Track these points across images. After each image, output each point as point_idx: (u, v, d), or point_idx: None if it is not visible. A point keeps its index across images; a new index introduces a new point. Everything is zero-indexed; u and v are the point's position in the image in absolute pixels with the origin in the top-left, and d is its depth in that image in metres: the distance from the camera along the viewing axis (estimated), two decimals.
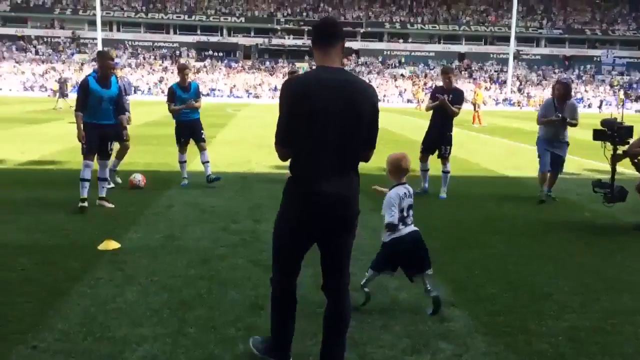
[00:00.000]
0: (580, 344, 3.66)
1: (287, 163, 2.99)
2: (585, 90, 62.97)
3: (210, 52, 68.35)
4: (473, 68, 68.73)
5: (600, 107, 55.18)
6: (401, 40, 70.82)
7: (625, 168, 8.23)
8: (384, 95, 57.50)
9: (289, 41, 68.74)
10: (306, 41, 67.22)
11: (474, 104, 26.79)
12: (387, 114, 34.15)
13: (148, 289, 4.38)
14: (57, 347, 3.39)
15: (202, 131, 8.81)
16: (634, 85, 65.94)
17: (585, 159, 13.27)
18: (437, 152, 8.43)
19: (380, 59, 69.26)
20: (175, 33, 69.09)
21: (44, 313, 3.86)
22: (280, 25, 68.32)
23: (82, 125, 6.85)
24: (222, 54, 68.44)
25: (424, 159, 8.53)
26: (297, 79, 2.99)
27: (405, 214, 4.06)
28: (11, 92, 52.96)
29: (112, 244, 5.42)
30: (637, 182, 7.16)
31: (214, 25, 69.09)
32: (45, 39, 66.54)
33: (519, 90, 62.72)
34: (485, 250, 5.74)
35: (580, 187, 9.71)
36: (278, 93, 3.18)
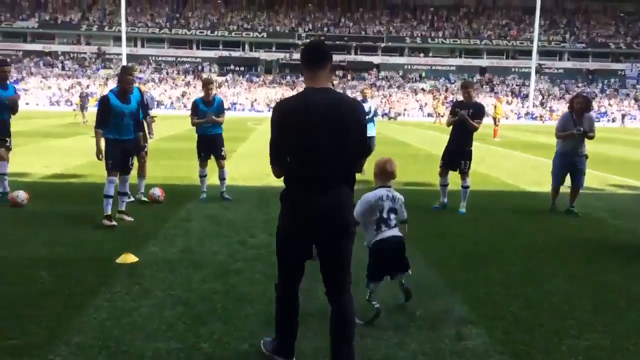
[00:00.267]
0: None
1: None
2: (610, 104, 62.12)
3: (232, 67, 69.07)
4: (494, 82, 68.31)
5: (622, 120, 54.42)
6: (422, 55, 70.74)
7: None
8: (404, 109, 57.41)
9: None
10: None
11: (494, 118, 26.56)
12: (406, 128, 34.11)
13: (164, 303, 4.40)
14: None
15: (222, 148, 8.84)
16: None
17: (608, 174, 13.06)
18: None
19: (400, 73, 69.24)
20: (198, 48, 69.99)
21: (60, 326, 3.89)
22: (302, 40, 68.70)
23: (100, 142, 6.86)
24: (243, 69, 69.14)
25: (443, 173, 8.48)
26: (287, 101, 3.19)
27: (385, 216, 4.19)
28: (38, 106, 54.05)
29: (130, 258, 5.46)
30: None
31: (236, 40, 69.87)
32: (71, 55, 67.92)
33: (542, 104, 62.12)
34: (504, 267, 5.65)
35: (603, 202, 9.55)
36: None
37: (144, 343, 3.67)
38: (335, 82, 64.33)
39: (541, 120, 56.17)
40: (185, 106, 54.27)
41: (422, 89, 65.41)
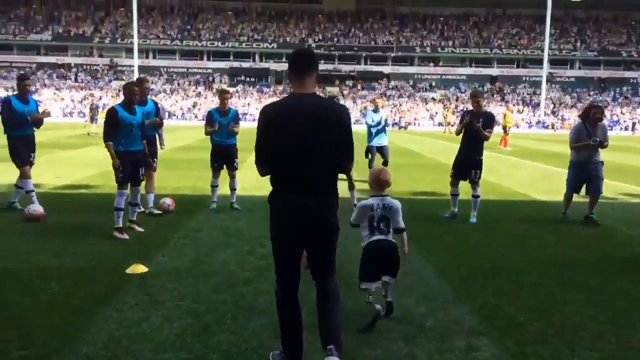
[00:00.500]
0: None
1: None
2: (622, 113, 61.67)
3: (243, 78, 69.44)
4: (505, 91, 68.09)
5: (633, 129, 53.99)
6: (432, 64, 70.71)
7: None
8: (415, 119, 57.31)
9: (320, 66, 68.35)
10: (337, 66, 67.75)
11: (504, 127, 26.41)
12: (416, 137, 34.02)
13: (173, 313, 4.40)
14: None
15: (235, 159, 8.85)
16: None
17: (621, 183, 12.93)
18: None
19: (411, 83, 69.24)
20: (209, 59, 70.48)
21: (69, 336, 3.90)
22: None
23: (114, 154, 6.85)
24: (254, 79, 69.47)
25: (454, 183, 8.44)
26: (274, 106, 3.34)
27: (375, 224, 4.22)
28: (51, 117, 54.54)
29: (139, 268, 5.47)
30: None
31: (246, 51, 70.30)
32: (84, 67, 68.67)
33: (553, 112, 61.81)
34: (515, 277, 5.59)
35: (616, 211, 9.45)
36: None
37: (152, 354, 3.66)
38: (345, 92, 64.49)
39: (553, 128, 55.87)
40: (196, 117, 54.55)
41: (433, 99, 65.30)
